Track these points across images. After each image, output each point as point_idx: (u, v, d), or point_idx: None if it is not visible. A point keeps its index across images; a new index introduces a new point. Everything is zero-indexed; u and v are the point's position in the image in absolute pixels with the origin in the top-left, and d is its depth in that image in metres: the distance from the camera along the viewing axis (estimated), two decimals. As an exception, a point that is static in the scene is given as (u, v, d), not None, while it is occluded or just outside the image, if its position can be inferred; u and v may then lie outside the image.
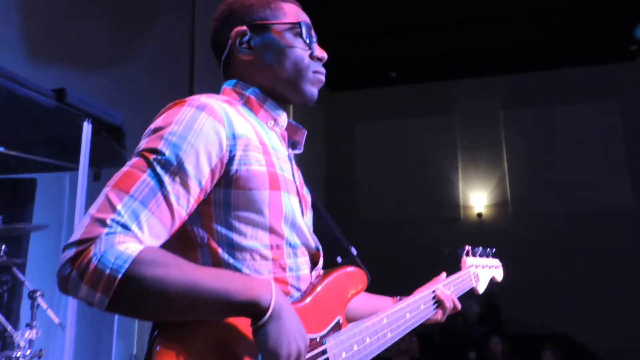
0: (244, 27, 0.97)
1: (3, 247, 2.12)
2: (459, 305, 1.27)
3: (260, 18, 0.97)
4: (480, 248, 1.55)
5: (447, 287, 1.29)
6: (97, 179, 2.58)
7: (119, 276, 0.66)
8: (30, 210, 2.62)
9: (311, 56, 0.99)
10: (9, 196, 2.58)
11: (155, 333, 0.73)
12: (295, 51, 0.97)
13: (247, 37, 0.97)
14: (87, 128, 2.23)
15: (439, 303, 1.22)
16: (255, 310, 0.72)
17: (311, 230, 1.00)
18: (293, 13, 1.00)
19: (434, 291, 1.22)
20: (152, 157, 0.77)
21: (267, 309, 0.72)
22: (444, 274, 1.33)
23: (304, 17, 1.01)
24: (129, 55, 3.70)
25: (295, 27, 0.98)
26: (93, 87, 3.11)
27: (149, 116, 0.91)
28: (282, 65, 0.96)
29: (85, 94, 2.20)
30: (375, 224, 7.37)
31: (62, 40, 3.04)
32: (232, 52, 0.99)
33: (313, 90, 1.00)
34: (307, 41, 0.99)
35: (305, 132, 1.04)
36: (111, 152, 2.50)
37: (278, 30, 0.97)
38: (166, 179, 0.76)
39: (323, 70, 1.02)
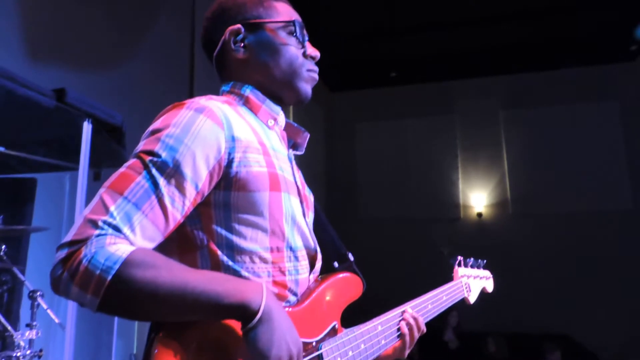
0: (238, 26, 0.96)
1: (3, 247, 2.13)
2: (423, 329, 1.11)
3: (253, 17, 0.97)
4: (472, 259, 1.55)
5: (438, 297, 1.24)
6: (97, 179, 2.58)
7: (109, 277, 0.66)
8: (30, 210, 2.62)
9: (304, 54, 0.99)
10: (9, 196, 2.58)
11: (154, 334, 0.73)
12: (290, 49, 0.97)
13: (241, 36, 0.97)
14: (87, 128, 2.23)
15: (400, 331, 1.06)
16: (244, 313, 0.72)
17: (312, 231, 1.00)
18: (286, 12, 1.00)
19: (403, 312, 1.08)
20: (148, 159, 0.77)
21: (256, 312, 0.72)
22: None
23: (296, 16, 1.01)
24: (129, 55, 3.70)
25: (289, 25, 0.98)
26: (93, 87, 3.10)
27: (149, 116, 0.91)
28: (277, 63, 0.96)
29: (85, 94, 2.20)
30: (375, 223, 7.36)
31: (62, 40, 3.04)
32: (226, 51, 0.98)
33: (307, 88, 1.00)
34: (300, 39, 0.99)
35: (308, 135, 1.04)
36: (111, 152, 2.50)
37: (272, 29, 0.97)
38: (161, 181, 0.75)
39: (316, 68, 1.02)
